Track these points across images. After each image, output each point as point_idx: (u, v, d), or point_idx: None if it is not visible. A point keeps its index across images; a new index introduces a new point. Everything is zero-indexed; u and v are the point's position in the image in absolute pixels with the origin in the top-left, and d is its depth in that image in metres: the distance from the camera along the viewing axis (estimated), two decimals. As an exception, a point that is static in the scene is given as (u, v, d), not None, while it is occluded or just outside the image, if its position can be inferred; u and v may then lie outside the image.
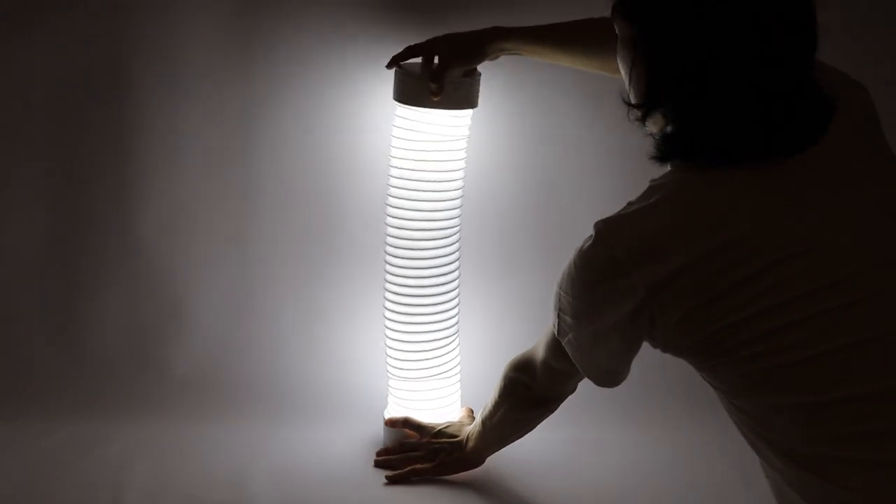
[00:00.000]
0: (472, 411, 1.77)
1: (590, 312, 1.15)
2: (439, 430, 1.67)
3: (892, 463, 1.02)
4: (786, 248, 1.04)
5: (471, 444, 1.60)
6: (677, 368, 1.85)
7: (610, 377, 1.25)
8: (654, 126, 1.12)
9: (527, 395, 1.44)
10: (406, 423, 1.71)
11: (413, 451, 1.67)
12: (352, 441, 1.77)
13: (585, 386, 1.90)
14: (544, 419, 1.51)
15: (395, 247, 1.70)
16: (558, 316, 1.21)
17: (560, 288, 1.19)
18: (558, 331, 1.22)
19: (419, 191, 1.67)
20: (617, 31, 1.14)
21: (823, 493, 1.05)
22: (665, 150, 1.10)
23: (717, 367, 1.10)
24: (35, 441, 1.73)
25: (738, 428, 1.17)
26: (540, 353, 1.36)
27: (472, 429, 1.61)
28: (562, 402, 1.45)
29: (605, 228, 1.10)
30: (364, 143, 1.92)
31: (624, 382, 1.93)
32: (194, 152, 1.93)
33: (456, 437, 1.64)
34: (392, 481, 1.63)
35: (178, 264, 1.94)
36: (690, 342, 1.09)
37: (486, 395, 1.86)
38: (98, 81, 1.90)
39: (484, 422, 1.55)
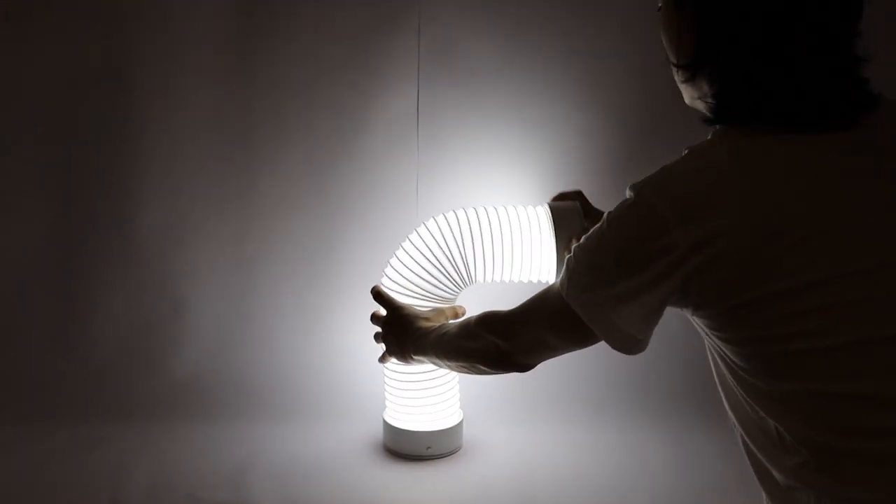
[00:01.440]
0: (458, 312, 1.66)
1: (619, 271, 1.08)
2: (397, 315, 1.59)
3: None
4: (826, 227, 1.02)
5: (415, 347, 1.50)
6: (676, 369, 1.88)
7: (630, 343, 1.13)
8: (696, 90, 1.12)
9: (495, 356, 1.31)
10: (377, 296, 1.64)
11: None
12: (351, 441, 1.77)
13: (583, 385, 1.92)
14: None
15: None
16: (570, 277, 1.13)
17: (580, 248, 1.13)
18: (569, 291, 1.13)
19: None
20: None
21: (832, 492, 1.03)
22: (717, 112, 1.09)
23: (742, 342, 1.06)
24: (35, 442, 1.73)
25: (743, 429, 1.13)
26: (531, 322, 1.25)
27: (423, 332, 1.50)
28: (530, 369, 1.32)
29: (646, 186, 1.06)
30: (363, 144, 1.92)
31: (621, 384, 1.93)
32: (194, 154, 1.93)
33: (407, 329, 1.54)
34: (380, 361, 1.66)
35: (177, 265, 1.95)
36: (721, 309, 1.05)
37: (484, 396, 1.87)
38: (98, 84, 1.90)
39: (439, 344, 1.43)
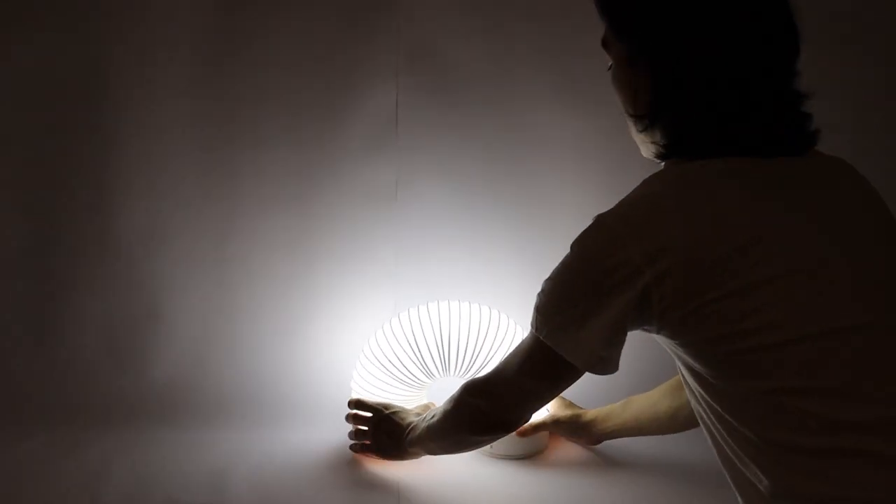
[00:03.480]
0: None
1: (580, 290, 1.15)
2: (386, 414, 1.64)
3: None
4: (761, 233, 1.08)
5: (409, 440, 1.55)
6: (662, 373, 1.88)
7: (600, 363, 1.18)
8: (650, 137, 1.19)
9: (481, 419, 1.36)
10: (357, 404, 1.70)
11: (365, 426, 1.68)
12: (330, 444, 1.76)
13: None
14: (492, 443, 1.49)
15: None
16: (538, 311, 1.20)
17: (545, 282, 1.20)
18: (538, 326, 1.20)
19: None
20: (611, 55, 1.22)
21: (810, 494, 1.05)
22: (669, 151, 1.17)
23: (706, 344, 1.10)
24: (12, 445, 1.73)
25: (719, 442, 1.16)
26: (507, 373, 1.30)
27: (415, 425, 1.55)
28: (518, 427, 1.38)
29: (603, 214, 1.14)
30: (343, 144, 1.92)
31: (602, 389, 1.90)
32: (173, 154, 1.93)
33: (399, 424, 1.60)
34: (352, 449, 1.69)
35: (156, 268, 1.94)
36: (682, 313, 1.10)
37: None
38: (76, 82, 1.89)
39: (429, 429, 1.49)
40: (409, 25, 1.90)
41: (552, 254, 1.91)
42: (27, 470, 1.66)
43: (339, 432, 1.78)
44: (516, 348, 1.29)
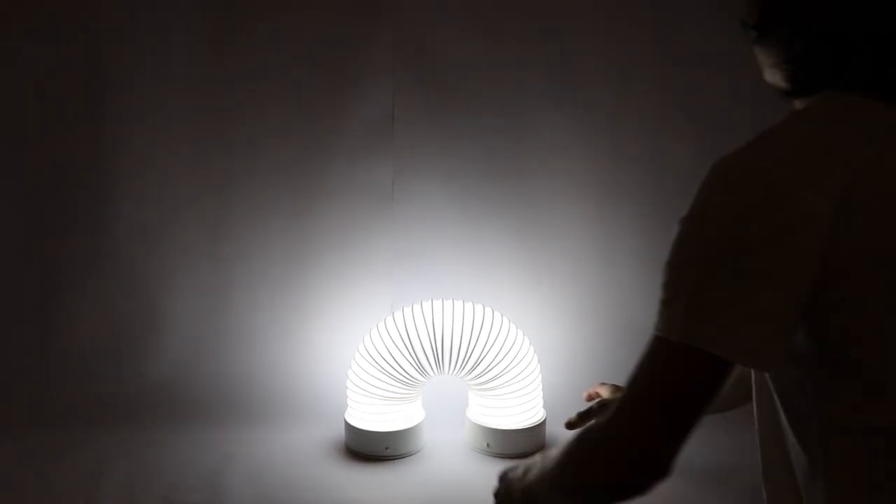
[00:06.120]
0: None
1: (735, 261, 0.85)
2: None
3: None
4: None
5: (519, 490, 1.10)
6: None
7: (755, 355, 0.87)
8: (770, 56, 0.97)
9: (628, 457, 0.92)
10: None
11: None
12: (326, 442, 1.77)
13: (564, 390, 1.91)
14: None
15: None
16: (668, 301, 0.88)
17: (668, 272, 0.89)
18: (668, 321, 0.87)
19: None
20: None
21: None
22: (794, 79, 0.95)
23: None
24: (9, 445, 1.73)
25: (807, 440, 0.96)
26: (625, 399, 0.92)
27: (516, 479, 1.11)
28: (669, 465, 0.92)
29: (746, 153, 0.88)
30: (338, 144, 1.92)
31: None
32: (168, 155, 1.93)
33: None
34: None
35: (153, 268, 1.94)
36: (869, 276, 0.87)
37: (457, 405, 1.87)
38: (74, 85, 1.89)
39: (540, 481, 1.04)
40: (405, 24, 1.90)
41: (547, 252, 1.94)
42: (25, 470, 1.65)
43: (335, 430, 1.79)
44: (648, 369, 0.91)
